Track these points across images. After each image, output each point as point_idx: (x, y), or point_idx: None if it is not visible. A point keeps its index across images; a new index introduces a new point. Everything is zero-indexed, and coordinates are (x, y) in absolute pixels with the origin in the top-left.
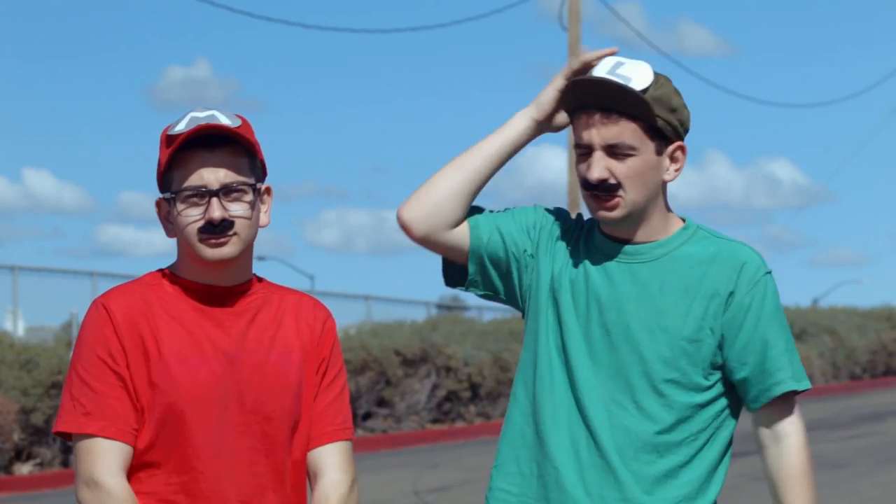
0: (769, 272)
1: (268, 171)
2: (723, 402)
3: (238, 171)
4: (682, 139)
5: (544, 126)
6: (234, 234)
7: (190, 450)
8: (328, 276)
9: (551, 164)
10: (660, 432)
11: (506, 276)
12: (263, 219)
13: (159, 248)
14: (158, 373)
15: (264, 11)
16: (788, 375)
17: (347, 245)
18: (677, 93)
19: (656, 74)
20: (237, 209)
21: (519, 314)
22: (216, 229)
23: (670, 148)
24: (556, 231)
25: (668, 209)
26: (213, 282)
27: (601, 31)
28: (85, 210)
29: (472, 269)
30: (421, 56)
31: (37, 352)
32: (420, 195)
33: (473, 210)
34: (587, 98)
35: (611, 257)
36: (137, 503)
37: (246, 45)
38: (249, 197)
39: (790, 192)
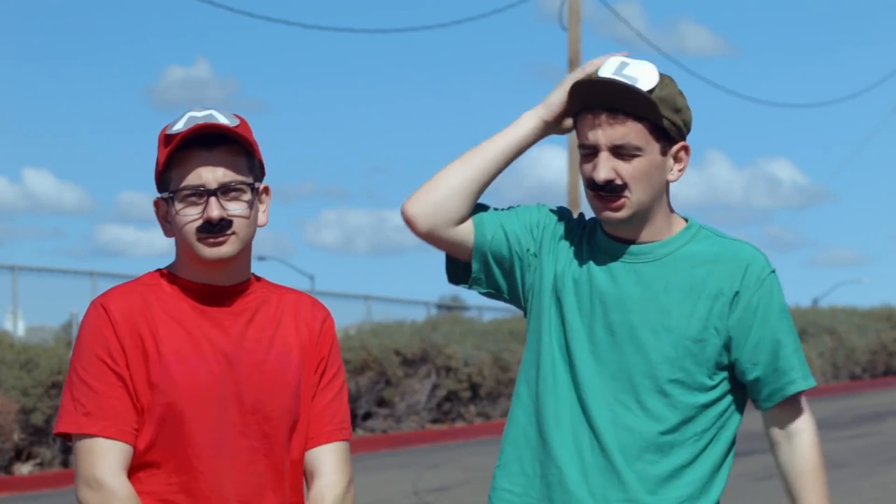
0: (773, 271)
1: (266, 170)
2: (726, 401)
3: (236, 171)
4: (685, 139)
5: (552, 127)
6: (233, 233)
7: (190, 450)
8: (328, 276)
9: (551, 164)
10: (664, 432)
11: (509, 274)
12: (262, 218)
13: (159, 248)
14: (158, 373)
15: (264, 11)
16: (800, 375)
17: (347, 245)
18: (681, 93)
19: (661, 75)
20: (235, 208)
21: (520, 314)
22: (214, 228)
23: (674, 148)
24: (560, 230)
25: (671, 209)
26: (212, 281)
27: (601, 31)
28: (85, 210)
29: (475, 266)
30: (421, 56)
31: (37, 352)
32: (425, 191)
33: (478, 208)
34: (593, 98)
35: (615, 257)
36: (140, 503)
37: (246, 45)
38: (248, 196)
39: (790, 192)
